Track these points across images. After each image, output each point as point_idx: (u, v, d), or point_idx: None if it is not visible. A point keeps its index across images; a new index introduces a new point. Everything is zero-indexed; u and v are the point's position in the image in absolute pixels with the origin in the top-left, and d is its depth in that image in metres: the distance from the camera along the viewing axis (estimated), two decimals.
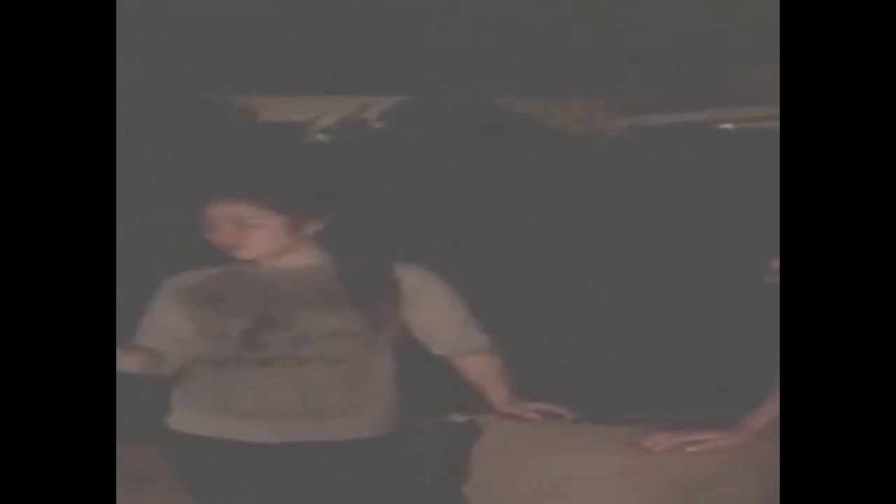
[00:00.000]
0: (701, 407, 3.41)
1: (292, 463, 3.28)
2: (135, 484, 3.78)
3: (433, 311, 3.45)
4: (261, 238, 3.34)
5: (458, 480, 3.36)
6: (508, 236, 4.66)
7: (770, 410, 3.12)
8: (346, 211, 3.49)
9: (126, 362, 3.35)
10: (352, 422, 3.32)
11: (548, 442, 3.33)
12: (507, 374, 3.48)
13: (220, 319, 3.34)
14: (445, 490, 3.38)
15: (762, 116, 4.34)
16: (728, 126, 4.66)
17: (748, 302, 3.11)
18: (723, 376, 3.83)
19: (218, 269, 3.44)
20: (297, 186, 3.45)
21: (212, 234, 3.37)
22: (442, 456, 3.43)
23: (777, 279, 2.74)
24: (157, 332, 3.41)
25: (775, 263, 2.75)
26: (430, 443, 3.46)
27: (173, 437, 3.39)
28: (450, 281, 3.48)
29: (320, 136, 4.76)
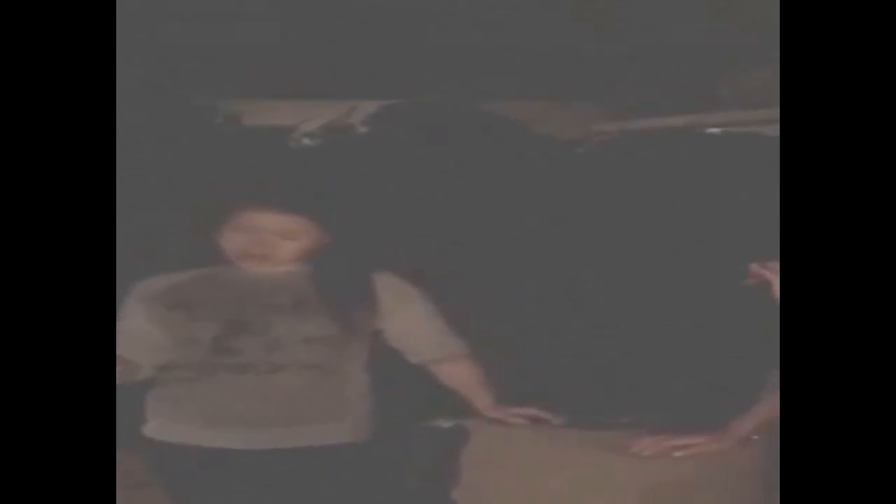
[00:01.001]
0: (689, 410, 3.42)
1: (272, 469, 3.26)
2: (130, 490, 3.80)
3: (409, 319, 3.44)
4: (293, 249, 3.38)
5: (445, 484, 3.36)
6: (497, 240, 4.66)
7: (758, 415, 3.15)
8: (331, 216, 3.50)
9: None
10: (329, 428, 3.31)
11: (535, 447, 3.33)
12: (489, 380, 3.47)
13: (191, 324, 3.32)
14: (433, 494, 3.38)
15: (756, 120, 4.36)
16: (715, 130, 4.68)
17: (740, 305, 3.11)
18: (713, 380, 3.83)
19: (187, 274, 3.44)
20: (317, 197, 3.47)
21: (236, 240, 3.37)
22: (429, 460, 3.43)
23: (754, 283, 2.78)
24: (129, 340, 3.32)
25: (755, 268, 2.78)
26: (416, 447, 3.47)
27: (151, 446, 3.37)
28: (427, 289, 3.48)
29: (306, 141, 4.75)
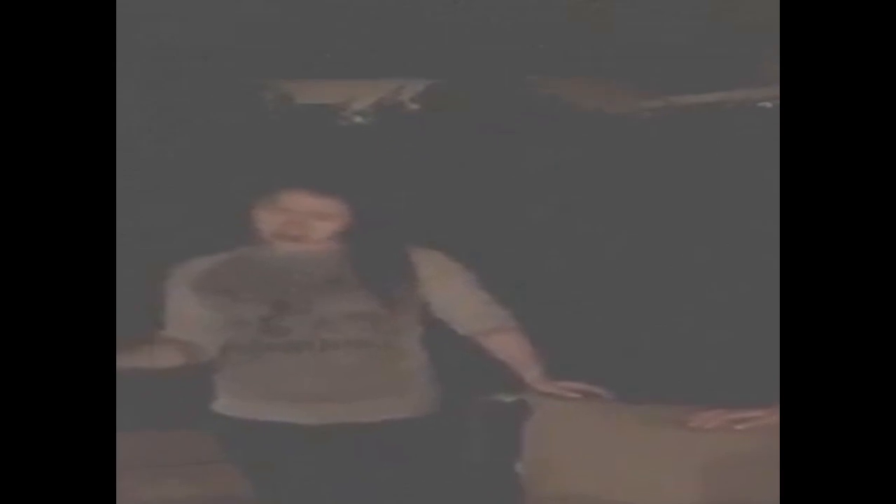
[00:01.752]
0: (733, 391, 3.43)
1: (336, 444, 3.30)
2: (188, 467, 3.87)
3: (453, 292, 3.46)
4: (327, 230, 3.40)
5: (508, 459, 3.40)
6: (548, 216, 4.68)
7: None
8: (377, 194, 3.55)
9: (164, 357, 3.45)
10: (389, 403, 3.34)
11: (595, 421, 3.36)
12: (537, 353, 3.48)
13: (237, 306, 3.36)
14: (496, 469, 3.42)
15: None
16: (767, 104, 4.67)
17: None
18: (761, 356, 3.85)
19: (224, 255, 3.47)
20: (359, 179, 3.50)
21: (271, 221, 3.40)
22: (491, 435, 3.46)
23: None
24: (187, 323, 3.44)
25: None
26: (478, 423, 3.49)
27: (221, 422, 3.42)
28: (475, 264, 3.50)
29: (357, 119, 4.78)
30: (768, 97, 4.61)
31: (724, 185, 4.61)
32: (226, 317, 3.38)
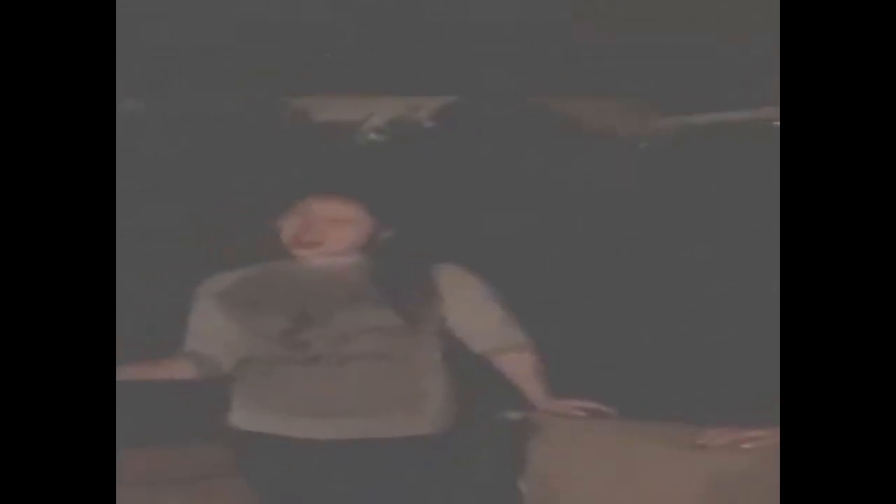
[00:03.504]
0: (737, 405, 3.42)
1: (351, 459, 3.29)
2: (195, 482, 3.86)
3: (471, 308, 3.47)
4: (345, 237, 3.42)
5: (513, 477, 3.39)
6: (561, 234, 4.68)
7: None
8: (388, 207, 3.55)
9: (180, 370, 3.49)
10: (406, 419, 3.34)
11: (601, 438, 3.35)
12: (543, 372, 3.49)
13: (260, 319, 3.38)
14: (501, 486, 3.41)
15: None
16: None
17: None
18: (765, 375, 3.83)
19: (250, 270, 3.49)
20: (376, 188, 3.52)
21: (290, 227, 3.43)
22: (496, 452, 3.46)
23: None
24: (207, 338, 3.47)
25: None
26: (485, 440, 3.49)
27: (235, 435, 3.42)
28: (490, 279, 3.50)
29: (372, 136, 4.80)
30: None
31: (742, 205, 4.60)
32: (247, 330, 3.39)
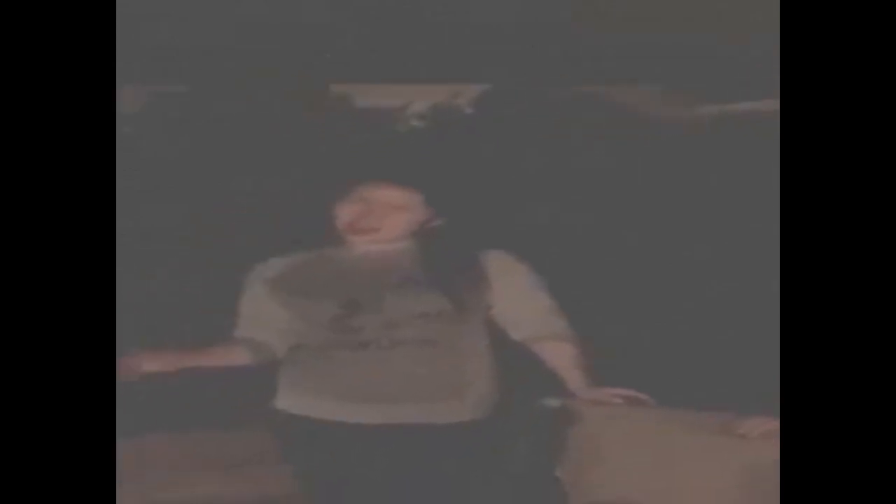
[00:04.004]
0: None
1: (395, 444, 3.30)
2: (240, 468, 3.89)
3: (515, 295, 3.47)
4: (400, 224, 3.44)
5: (551, 464, 3.39)
6: (600, 222, 4.66)
7: None
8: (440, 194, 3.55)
9: (236, 356, 3.51)
10: (449, 405, 3.34)
11: (637, 426, 3.35)
12: (584, 362, 3.49)
13: (310, 305, 3.39)
14: (538, 473, 3.40)
15: None
16: None
17: None
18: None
19: (300, 256, 3.51)
20: (427, 175, 3.54)
21: (347, 214, 3.44)
22: (535, 440, 3.45)
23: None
24: (259, 324, 3.49)
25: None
26: (523, 427, 3.47)
27: (282, 419, 3.42)
28: (534, 267, 3.51)
29: (414, 122, 4.80)
30: None
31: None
32: (298, 316, 3.41)
